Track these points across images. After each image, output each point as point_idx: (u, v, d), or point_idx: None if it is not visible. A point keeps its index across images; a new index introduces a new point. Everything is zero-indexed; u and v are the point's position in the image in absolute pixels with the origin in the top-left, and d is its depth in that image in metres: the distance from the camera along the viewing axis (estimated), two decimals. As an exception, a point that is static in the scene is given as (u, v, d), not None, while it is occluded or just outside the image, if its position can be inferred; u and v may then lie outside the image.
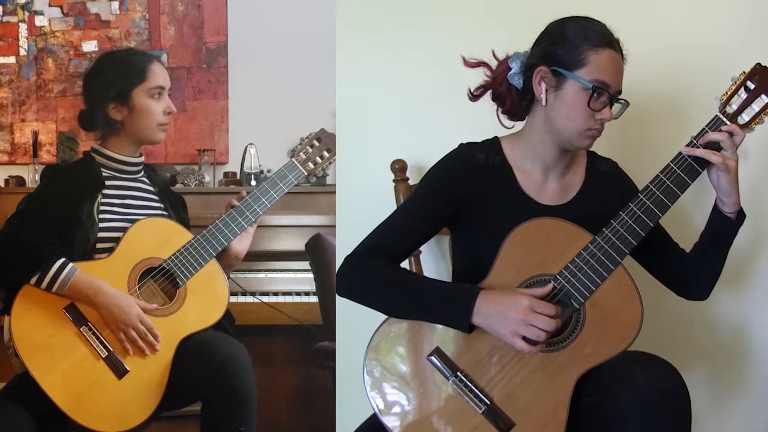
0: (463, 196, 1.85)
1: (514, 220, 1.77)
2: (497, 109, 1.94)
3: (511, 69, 1.88)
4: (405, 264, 1.95)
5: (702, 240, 1.91)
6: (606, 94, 1.76)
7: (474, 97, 1.95)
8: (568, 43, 1.78)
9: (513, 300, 1.68)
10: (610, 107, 1.79)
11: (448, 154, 1.90)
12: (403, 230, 1.87)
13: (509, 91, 1.90)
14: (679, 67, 2.29)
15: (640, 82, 2.03)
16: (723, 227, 1.85)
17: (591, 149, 1.94)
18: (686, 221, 2.13)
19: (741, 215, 1.85)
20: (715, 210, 1.86)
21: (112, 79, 2.21)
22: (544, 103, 1.82)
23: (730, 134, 1.75)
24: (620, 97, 1.81)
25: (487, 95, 1.95)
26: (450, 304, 1.73)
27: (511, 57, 1.89)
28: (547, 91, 1.81)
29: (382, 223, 1.89)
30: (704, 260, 1.92)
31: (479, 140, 1.93)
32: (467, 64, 1.93)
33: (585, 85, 1.75)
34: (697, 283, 1.97)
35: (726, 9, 2.31)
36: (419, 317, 1.77)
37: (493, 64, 1.93)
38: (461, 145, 1.92)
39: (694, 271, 1.94)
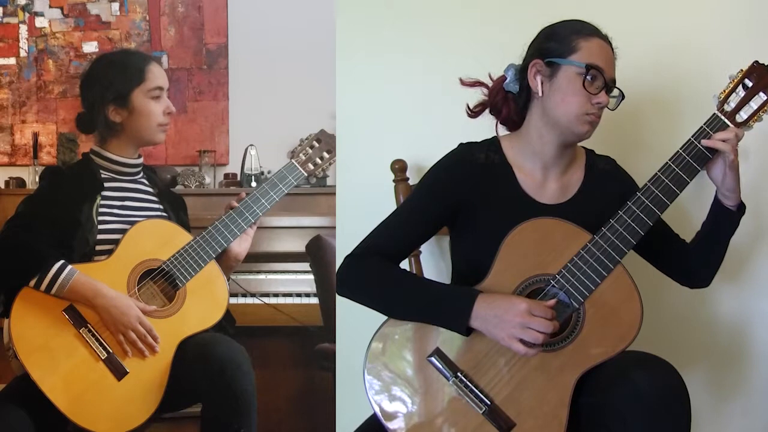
0: (463, 197, 1.85)
1: (515, 219, 1.77)
2: (496, 123, 1.96)
3: (506, 78, 1.90)
4: (405, 264, 1.95)
5: (704, 232, 1.92)
6: (600, 77, 1.79)
7: (474, 114, 1.98)
8: (558, 36, 1.83)
9: (510, 303, 1.69)
10: (606, 93, 1.80)
11: (447, 154, 1.91)
12: (402, 230, 1.88)
13: (505, 99, 1.93)
14: (673, 66, 2.29)
15: (635, 81, 2.04)
16: (725, 220, 1.87)
17: (589, 148, 1.95)
18: (684, 217, 2.13)
19: (741, 206, 1.86)
20: (717, 204, 1.86)
21: (110, 82, 2.20)
22: (540, 94, 1.84)
23: (736, 134, 1.75)
24: (615, 87, 1.84)
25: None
26: (448, 307, 1.73)
27: (506, 68, 1.92)
28: (542, 83, 1.83)
29: (381, 222, 1.89)
30: (707, 251, 1.93)
31: (479, 140, 1.93)
32: (464, 83, 1.96)
33: (578, 66, 1.78)
34: (699, 272, 1.99)
35: (719, 9, 2.31)
36: (418, 319, 1.78)
37: (490, 83, 1.96)
38: (461, 144, 1.92)
39: (697, 261, 1.96)
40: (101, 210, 2.18)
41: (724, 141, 1.75)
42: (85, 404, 1.98)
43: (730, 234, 1.89)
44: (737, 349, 2.38)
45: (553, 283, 1.73)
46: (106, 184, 2.22)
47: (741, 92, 1.78)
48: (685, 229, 1.99)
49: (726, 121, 1.77)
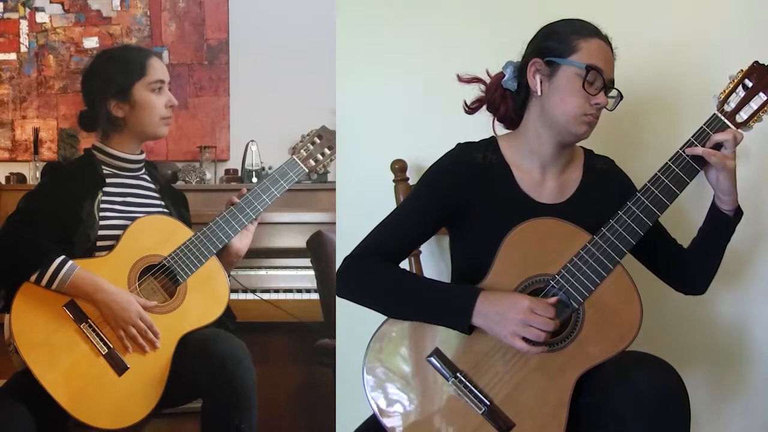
0: (462, 196, 1.85)
1: (513, 218, 1.77)
2: (492, 120, 1.96)
3: (505, 75, 1.90)
4: (405, 264, 1.95)
5: (700, 236, 1.92)
6: (599, 78, 1.78)
7: (471, 110, 1.98)
8: (558, 35, 1.83)
9: (512, 301, 1.69)
10: (605, 94, 1.80)
11: (445, 154, 1.91)
12: (401, 231, 1.88)
13: (503, 96, 1.93)
14: (673, 66, 2.29)
15: (634, 81, 2.04)
16: (721, 224, 1.86)
17: (588, 148, 1.95)
18: (683, 219, 2.13)
19: (739, 212, 1.86)
20: (713, 208, 1.86)
21: (111, 77, 2.21)
22: (539, 93, 1.83)
23: (734, 135, 1.75)
24: (614, 87, 1.84)
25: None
26: (450, 305, 1.73)
27: (505, 65, 1.91)
28: (541, 82, 1.83)
29: (380, 223, 1.89)
30: (703, 256, 1.92)
31: (478, 140, 1.94)
32: (462, 80, 1.96)
33: (578, 66, 1.78)
34: (695, 278, 1.98)
35: (719, 8, 2.31)
36: (419, 318, 1.78)
37: (487, 79, 1.95)
38: (459, 144, 1.92)
39: (693, 266, 1.95)
40: (102, 206, 2.18)
41: (721, 143, 1.75)
42: (85, 399, 1.99)
43: (726, 239, 1.88)
44: (737, 349, 2.38)
45: (552, 283, 1.73)
46: (107, 180, 2.22)
47: (741, 92, 1.78)
48: (684, 232, 1.99)
49: (726, 121, 1.77)
